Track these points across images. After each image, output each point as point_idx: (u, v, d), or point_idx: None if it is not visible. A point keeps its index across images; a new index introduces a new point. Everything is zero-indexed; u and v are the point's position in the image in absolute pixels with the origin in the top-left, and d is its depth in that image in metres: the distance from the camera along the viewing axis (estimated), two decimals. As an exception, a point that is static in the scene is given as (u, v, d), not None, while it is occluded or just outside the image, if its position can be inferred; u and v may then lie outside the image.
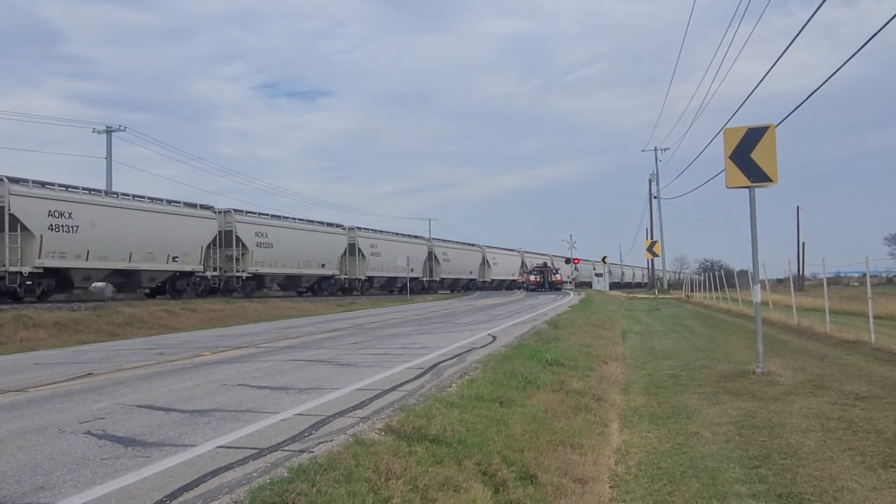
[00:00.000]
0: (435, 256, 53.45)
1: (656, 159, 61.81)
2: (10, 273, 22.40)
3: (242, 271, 32.88)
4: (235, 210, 33.37)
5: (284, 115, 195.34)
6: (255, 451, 5.12)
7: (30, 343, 16.36)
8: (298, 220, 38.45)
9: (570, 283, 72.27)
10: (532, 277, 59.82)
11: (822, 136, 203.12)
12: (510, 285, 68.42)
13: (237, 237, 32.48)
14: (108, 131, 43.52)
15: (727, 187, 10.65)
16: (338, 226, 41.58)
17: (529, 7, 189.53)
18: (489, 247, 65.98)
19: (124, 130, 43.99)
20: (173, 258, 28.99)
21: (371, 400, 7.15)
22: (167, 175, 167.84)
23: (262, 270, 34.30)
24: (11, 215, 22.23)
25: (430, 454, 5.04)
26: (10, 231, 22.23)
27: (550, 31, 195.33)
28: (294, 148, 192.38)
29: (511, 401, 7.31)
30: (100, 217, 25.17)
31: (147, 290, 29.93)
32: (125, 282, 28.34)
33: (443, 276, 54.92)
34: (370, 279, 44.77)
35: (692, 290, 50.38)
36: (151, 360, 11.75)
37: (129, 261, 26.62)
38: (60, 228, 23.66)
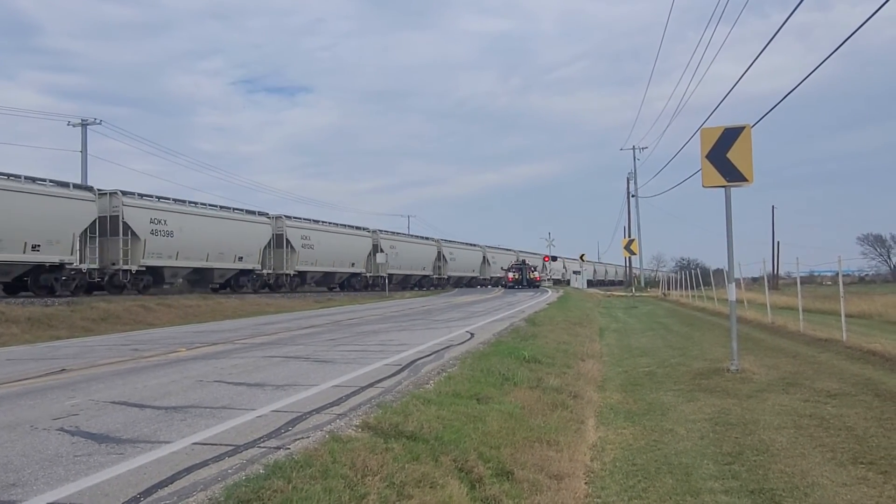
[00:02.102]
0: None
1: (634, 158, 62.17)
2: None
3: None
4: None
5: (264, 110, 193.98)
6: (230, 447, 5.09)
7: (1, 339, 16.09)
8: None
9: (548, 280, 72.45)
10: (510, 275, 60.16)
11: (797, 138, 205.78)
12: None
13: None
14: (83, 124, 42.98)
15: (703, 186, 10.74)
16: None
17: (510, 6, 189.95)
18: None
19: (100, 123, 43.48)
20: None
21: (348, 397, 7.14)
22: (145, 170, 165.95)
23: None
24: None
25: (407, 451, 5.04)
26: None
27: (531, 31, 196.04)
28: (274, 144, 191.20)
29: (488, 398, 7.34)
30: None
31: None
32: None
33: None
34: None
35: (669, 289, 50.78)
36: (126, 356, 11.63)
37: None
38: None
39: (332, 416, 6.18)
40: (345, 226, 46.54)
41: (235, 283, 36.12)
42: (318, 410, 6.42)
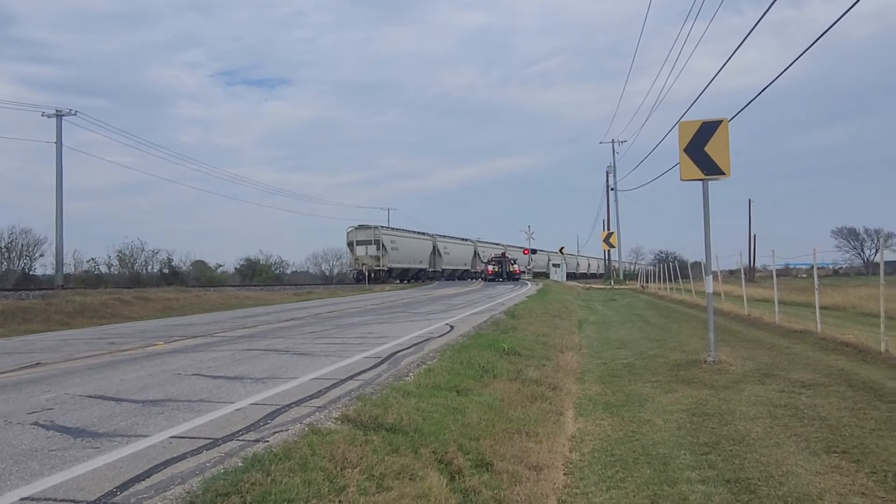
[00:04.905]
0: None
1: (613, 151, 62.71)
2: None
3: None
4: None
5: (244, 103, 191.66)
6: (209, 440, 5.07)
7: (-25, 332, 15.88)
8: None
9: (528, 273, 72.68)
10: (490, 267, 60.13)
11: (773, 132, 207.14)
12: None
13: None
14: (58, 115, 42.18)
15: (681, 180, 10.80)
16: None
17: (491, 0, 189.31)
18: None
19: (75, 115, 42.65)
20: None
21: (328, 389, 7.13)
22: (122, 162, 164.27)
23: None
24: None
25: (387, 443, 5.04)
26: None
27: (511, 25, 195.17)
28: (253, 136, 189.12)
29: (468, 390, 7.35)
30: None
31: None
32: None
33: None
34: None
35: (647, 281, 51.12)
36: (103, 349, 11.51)
37: None
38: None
39: (311, 408, 6.16)
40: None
41: (416, 277, 58.76)
42: (297, 403, 6.41)
